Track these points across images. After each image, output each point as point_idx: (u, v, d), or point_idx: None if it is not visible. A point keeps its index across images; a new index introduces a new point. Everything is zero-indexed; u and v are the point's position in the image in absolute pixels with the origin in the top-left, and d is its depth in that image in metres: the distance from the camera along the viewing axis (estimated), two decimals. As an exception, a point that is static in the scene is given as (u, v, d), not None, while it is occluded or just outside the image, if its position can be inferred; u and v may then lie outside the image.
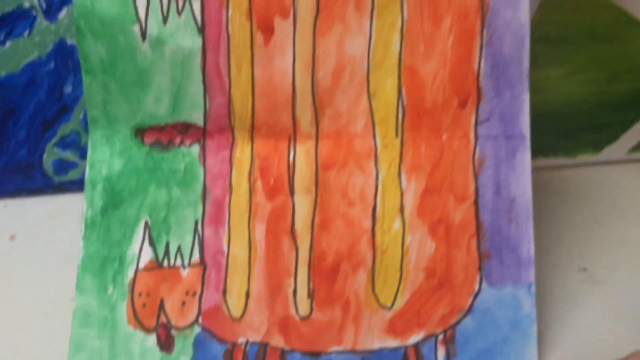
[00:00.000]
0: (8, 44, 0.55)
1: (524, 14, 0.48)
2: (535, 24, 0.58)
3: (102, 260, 0.47)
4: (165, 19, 0.46)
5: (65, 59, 0.56)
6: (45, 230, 0.59)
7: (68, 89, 0.58)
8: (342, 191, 0.49)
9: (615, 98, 0.62)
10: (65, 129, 0.59)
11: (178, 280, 0.47)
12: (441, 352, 0.49)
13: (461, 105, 0.49)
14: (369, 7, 0.47)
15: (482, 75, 0.49)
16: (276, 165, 0.49)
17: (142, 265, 0.47)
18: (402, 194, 0.49)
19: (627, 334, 0.50)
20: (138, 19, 0.46)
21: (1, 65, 0.56)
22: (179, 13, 0.46)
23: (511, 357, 0.48)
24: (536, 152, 0.65)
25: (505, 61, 0.48)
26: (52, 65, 0.56)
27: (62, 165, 0.61)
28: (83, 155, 0.61)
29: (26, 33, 0.55)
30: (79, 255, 0.53)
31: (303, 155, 0.49)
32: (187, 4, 0.46)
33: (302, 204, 0.48)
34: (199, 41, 0.47)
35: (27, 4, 0.54)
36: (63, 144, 0.60)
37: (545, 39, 0.59)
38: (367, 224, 0.49)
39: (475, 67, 0.48)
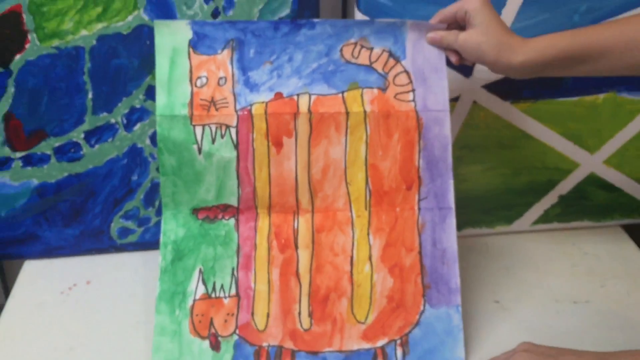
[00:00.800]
0: (97, 146, 0.78)
1: (446, 129, 0.69)
2: (460, 137, 0.81)
3: (171, 294, 0.67)
4: (213, 140, 0.68)
5: (135, 157, 0.79)
6: (111, 277, 0.79)
7: (135, 177, 0.80)
8: (330, 246, 0.70)
9: (519, 187, 0.84)
10: (129, 205, 0.81)
11: (221, 306, 0.68)
12: (399, 351, 0.68)
13: (408, 188, 0.70)
14: (344, 128, 0.69)
15: (420, 169, 0.69)
16: (286, 231, 0.70)
17: (197, 296, 0.67)
18: (370, 248, 0.70)
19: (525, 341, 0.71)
20: (196, 141, 0.67)
21: (90, 161, 0.78)
22: (222, 137, 0.68)
23: (446, 355, 0.67)
24: (465, 224, 0.87)
25: (435, 159, 0.70)
26: (125, 161, 0.79)
27: (124, 232, 0.83)
28: (140, 224, 0.82)
29: (110, 139, 0.78)
30: (136, 294, 0.73)
31: (303, 223, 0.70)
32: (227, 130, 0.68)
33: (303, 256, 0.69)
34: (234, 153, 0.68)
35: (113, 120, 0.77)
36: (126, 216, 0.82)
37: (468, 146, 0.81)
38: (347, 267, 0.69)
39: (416, 164, 0.69)
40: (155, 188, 0.80)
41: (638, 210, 0.88)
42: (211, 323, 0.67)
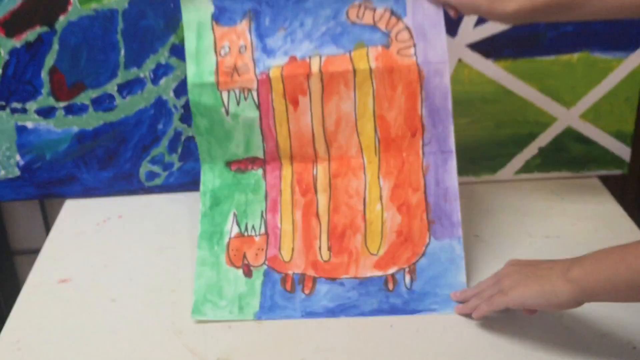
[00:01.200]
0: (128, 98, 0.89)
1: (446, 79, 0.77)
2: None
3: (210, 233, 0.78)
4: (238, 103, 0.77)
5: (160, 108, 0.90)
6: (140, 213, 0.91)
7: (160, 126, 0.91)
8: (345, 189, 0.78)
9: (501, 139, 0.93)
10: (155, 151, 0.93)
11: (253, 243, 0.77)
12: (407, 277, 0.74)
13: (412, 135, 0.78)
14: (353, 84, 0.77)
15: (423, 117, 0.77)
16: (306, 177, 0.79)
17: (232, 235, 0.77)
18: (380, 189, 0.78)
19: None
20: (223, 105, 0.77)
21: (122, 111, 0.90)
22: (245, 99, 0.77)
23: (450, 280, 0.74)
24: None
25: (437, 108, 0.77)
26: (152, 111, 0.90)
27: (151, 175, 0.94)
28: (165, 168, 0.94)
29: (139, 92, 0.89)
30: (160, 226, 0.85)
31: (321, 170, 0.79)
32: (250, 93, 0.77)
33: (322, 198, 0.78)
34: (257, 113, 0.77)
35: (142, 75, 0.88)
36: (153, 161, 0.93)
37: (454, 101, 0.89)
38: (360, 207, 0.77)
39: (419, 112, 0.77)
40: (177, 136, 0.92)
41: (613, 162, 0.96)
42: (244, 256, 0.76)
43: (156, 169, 0.94)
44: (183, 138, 0.92)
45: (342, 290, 0.74)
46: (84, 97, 0.88)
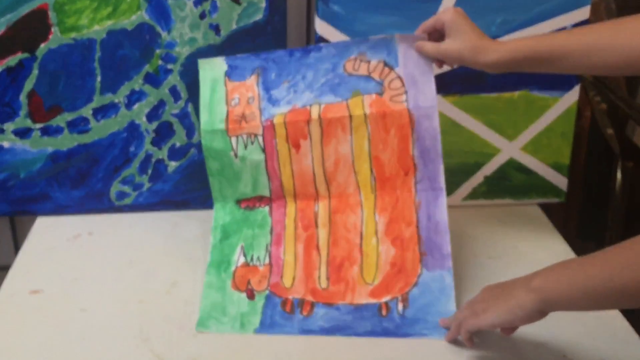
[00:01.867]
0: (102, 121, 0.95)
1: (435, 122, 0.81)
2: None
3: (219, 262, 0.84)
4: (245, 146, 0.84)
5: (133, 131, 0.96)
6: (110, 230, 0.96)
7: (132, 148, 0.97)
8: (344, 224, 0.84)
9: (450, 167, 0.99)
10: (126, 172, 0.98)
11: (257, 272, 0.83)
12: (400, 305, 0.78)
13: (405, 174, 0.83)
14: (349, 128, 0.82)
15: (415, 157, 0.83)
16: (308, 214, 0.85)
17: (239, 265, 0.83)
18: (376, 224, 0.83)
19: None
20: (232, 148, 0.84)
21: (96, 133, 0.95)
22: (252, 143, 0.84)
23: (440, 308, 0.77)
24: None
25: (427, 148, 0.83)
26: (125, 134, 0.96)
27: (121, 195, 0.99)
28: (135, 189, 0.99)
29: (113, 116, 0.95)
30: (129, 244, 0.90)
31: (322, 207, 0.85)
32: (256, 138, 0.83)
33: (323, 233, 0.84)
34: (262, 155, 0.84)
35: (116, 100, 0.94)
36: (124, 181, 0.98)
37: None
38: (358, 240, 0.83)
39: (411, 153, 0.83)
40: (148, 159, 0.97)
41: (552, 191, 1.05)
42: (249, 282, 0.82)
43: (126, 189, 0.99)
44: (153, 160, 0.97)
45: (338, 313, 0.79)
46: (60, 120, 0.94)
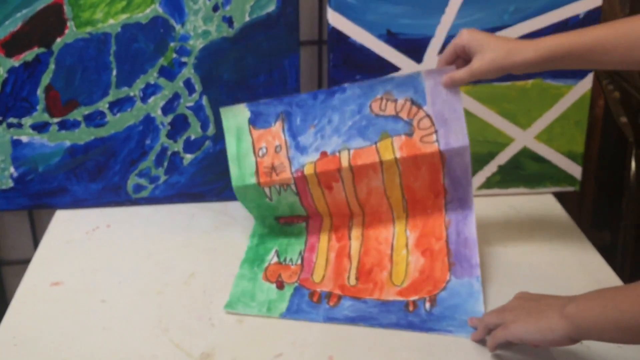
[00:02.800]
0: (118, 115, 0.96)
1: (467, 158, 0.81)
2: None
3: (252, 260, 0.86)
4: (279, 193, 0.85)
5: (148, 124, 0.96)
6: (127, 223, 0.97)
7: (148, 141, 0.98)
8: (376, 238, 0.86)
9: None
10: (143, 165, 0.99)
11: (288, 269, 0.85)
12: (427, 304, 0.79)
13: (436, 197, 0.85)
14: (380, 172, 0.83)
15: (446, 185, 0.84)
16: (342, 229, 0.87)
17: (272, 263, 0.86)
18: (407, 238, 0.85)
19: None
20: (267, 195, 0.86)
21: (112, 127, 0.96)
22: (285, 190, 0.85)
23: (467, 309, 0.77)
24: None
25: (458, 178, 0.83)
26: (141, 127, 0.97)
27: (138, 187, 1.00)
28: (151, 181, 1.00)
29: (129, 109, 0.96)
30: (146, 235, 0.91)
31: (356, 223, 0.87)
32: (288, 187, 0.84)
33: (355, 244, 0.86)
34: (297, 197, 0.86)
35: (132, 94, 0.95)
36: (140, 174, 0.99)
37: None
38: (388, 251, 0.85)
39: (442, 182, 0.84)
40: (164, 151, 0.98)
41: (566, 180, 1.05)
42: (279, 275, 0.85)
43: (143, 181, 1.00)
44: (169, 153, 0.98)
45: (365, 306, 0.80)
46: (77, 114, 0.95)
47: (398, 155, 0.82)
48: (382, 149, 0.82)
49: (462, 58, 0.79)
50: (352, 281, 0.82)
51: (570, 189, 1.05)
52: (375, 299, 0.80)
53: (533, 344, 0.67)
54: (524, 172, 1.04)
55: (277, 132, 0.85)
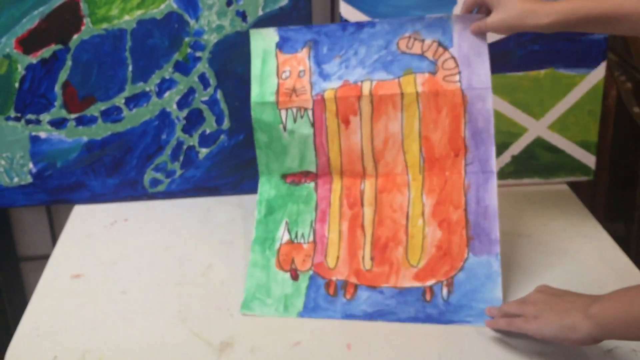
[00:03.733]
0: (134, 110, 0.97)
1: (489, 104, 0.80)
2: None
3: (263, 239, 0.84)
4: (294, 120, 0.84)
5: (164, 119, 0.98)
6: (144, 216, 0.98)
7: (164, 136, 0.99)
8: (390, 204, 0.82)
9: None
10: (159, 160, 1.00)
11: (301, 249, 0.83)
12: (445, 290, 0.78)
13: (455, 155, 0.82)
14: (400, 106, 0.81)
15: (466, 139, 0.81)
16: (354, 192, 0.85)
17: (283, 242, 0.83)
18: (423, 205, 0.82)
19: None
20: (282, 122, 0.83)
21: (129, 122, 0.97)
22: (301, 117, 0.84)
23: (486, 295, 0.76)
24: None
25: (479, 131, 0.82)
26: (156, 122, 0.98)
27: (154, 182, 1.01)
28: (167, 176, 1.01)
29: (145, 104, 0.97)
30: (163, 229, 0.91)
31: (368, 186, 0.84)
32: (305, 112, 0.83)
33: (368, 212, 0.83)
34: (311, 130, 0.84)
35: (147, 89, 0.96)
36: (156, 168, 1.00)
37: None
38: (404, 222, 0.82)
39: (462, 134, 0.82)
40: (180, 146, 0.99)
41: (580, 169, 1.05)
42: (292, 261, 0.83)
43: (159, 176, 1.01)
44: (185, 147, 0.99)
45: (382, 297, 0.79)
46: (94, 110, 0.96)
47: (420, 89, 0.81)
48: (405, 83, 0.82)
49: (486, 7, 0.79)
50: (367, 263, 0.81)
51: (584, 178, 1.05)
52: (391, 287, 0.79)
53: (554, 342, 0.67)
54: (538, 162, 1.04)
55: (302, 58, 0.85)
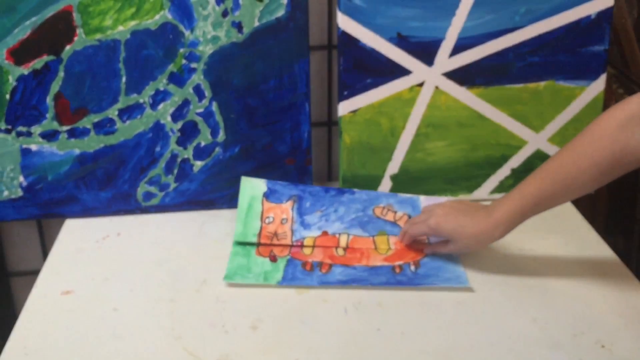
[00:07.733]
0: (127, 122, 0.95)
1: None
2: (425, 117, 0.98)
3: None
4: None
5: (158, 131, 0.96)
6: (137, 231, 0.96)
7: (158, 149, 0.97)
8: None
9: (476, 160, 1.00)
10: (153, 173, 0.98)
11: (280, 245, 0.90)
12: (412, 266, 0.87)
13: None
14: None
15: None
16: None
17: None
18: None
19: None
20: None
21: (122, 134, 0.95)
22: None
23: (449, 268, 0.86)
24: (432, 192, 1.02)
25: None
26: (150, 135, 0.96)
27: (148, 195, 0.99)
28: (161, 189, 0.99)
29: (139, 116, 0.95)
30: (157, 243, 0.90)
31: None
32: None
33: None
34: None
35: (141, 100, 0.94)
36: (150, 182, 0.99)
37: (432, 125, 0.97)
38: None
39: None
40: (174, 159, 0.97)
41: (580, 183, 1.03)
42: (271, 251, 0.90)
43: (153, 189, 0.99)
44: (179, 160, 0.97)
45: (355, 271, 0.87)
46: (86, 122, 0.94)
47: (392, 247, 0.91)
48: (379, 242, 0.92)
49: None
50: (340, 252, 0.90)
51: (584, 191, 1.04)
52: (363, 265, 0.88)
53: (461, 237, 0.82)
54: (538, 175, 1.02)
55: (286, 208, 0.94)
